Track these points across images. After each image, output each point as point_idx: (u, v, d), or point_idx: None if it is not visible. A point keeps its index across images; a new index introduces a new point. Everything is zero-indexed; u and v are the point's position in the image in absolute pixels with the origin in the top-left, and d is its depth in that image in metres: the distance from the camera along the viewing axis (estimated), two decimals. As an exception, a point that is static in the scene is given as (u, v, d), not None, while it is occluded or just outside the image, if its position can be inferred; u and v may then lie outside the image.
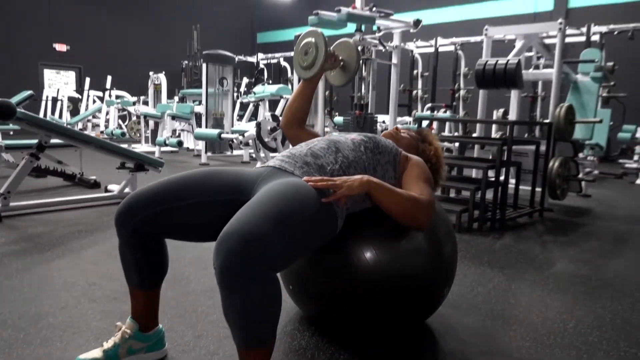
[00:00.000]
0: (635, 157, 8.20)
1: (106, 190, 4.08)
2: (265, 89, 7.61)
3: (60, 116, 11.19)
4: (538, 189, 3.90)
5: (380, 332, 1.65)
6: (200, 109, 6.60)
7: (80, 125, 10.17)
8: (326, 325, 1.71)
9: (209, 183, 1.36)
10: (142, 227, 1.31)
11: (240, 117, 8.96)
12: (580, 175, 4.75)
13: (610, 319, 1.90)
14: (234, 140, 5.01)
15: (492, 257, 2.68)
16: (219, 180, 1.38)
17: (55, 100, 11.51)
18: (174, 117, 6.79)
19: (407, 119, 7.42)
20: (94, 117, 10.82)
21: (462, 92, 9.48)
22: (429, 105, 7.61)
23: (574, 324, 1.84)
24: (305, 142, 1.56)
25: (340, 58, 1.89)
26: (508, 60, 3.80)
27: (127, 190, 3.83)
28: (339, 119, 7.98)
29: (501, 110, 6.26)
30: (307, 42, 1.81)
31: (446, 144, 5.55)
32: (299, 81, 1.92)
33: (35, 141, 3.35)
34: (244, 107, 8.99)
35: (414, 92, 10.06)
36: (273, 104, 9.08)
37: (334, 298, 1.55)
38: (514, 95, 4.49)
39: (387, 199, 1.39)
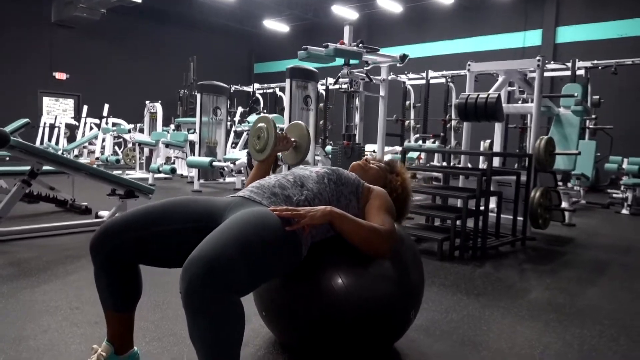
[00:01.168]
0: (622, 187, 8.34)
1: (96, 217, 4.15)
2: (259, 118, 7.76)
3: (57, 142, 11.32)
4: (520, 218, 3.99)
5: (351, 356, 1.70)
6: (194, 137, 6.73)
7: (76, 152, 10.29)
8: (299, 350, 1.76)
9: (180, 211, 1.44)
10: (115, 253, 1.38)
11: (235, 145, 9.10)
12: (563, 205, 4.85)
13: (577, 346, 1.96)
14: (225, 168, 5.11)
15: (470, 285, 2.74)
16: (191, 209, 1.46)
17: (52, 127, 11.67)
18: (168, 145, 6.91)
19: (398, 148, 7.56)
20: (90, 143, 10.95)
21: (453, 123, 9.70)
22: (417, 135, 7.77)
23: (541, 350, 1.90)
24: (274, 175, 1.65)
25: (293, 139, 2.03)
26: (488, 95, 3.95)
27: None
28: (329, 148, 8.11)
29: (488, 141, 6.42)
30: (260, 127, 1.96)
31: (434, 174, 5.67)
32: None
33: (28, 168, 3.44)
34: (238, 135, 9.15)
35: (407, 122, 10.30)
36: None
37: (305, 324, 1.61)
38: (497, 127, 4.63)
39: (348, 228, 1.48)
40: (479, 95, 4.00)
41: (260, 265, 1.24)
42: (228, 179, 7.07)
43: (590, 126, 8.19)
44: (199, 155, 6.50)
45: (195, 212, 1.45)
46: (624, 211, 6.46)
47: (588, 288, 2.82)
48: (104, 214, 4.11)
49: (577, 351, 1.91)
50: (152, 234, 1.39)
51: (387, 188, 1.91)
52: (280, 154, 2.08)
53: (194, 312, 1.09)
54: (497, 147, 4.67)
